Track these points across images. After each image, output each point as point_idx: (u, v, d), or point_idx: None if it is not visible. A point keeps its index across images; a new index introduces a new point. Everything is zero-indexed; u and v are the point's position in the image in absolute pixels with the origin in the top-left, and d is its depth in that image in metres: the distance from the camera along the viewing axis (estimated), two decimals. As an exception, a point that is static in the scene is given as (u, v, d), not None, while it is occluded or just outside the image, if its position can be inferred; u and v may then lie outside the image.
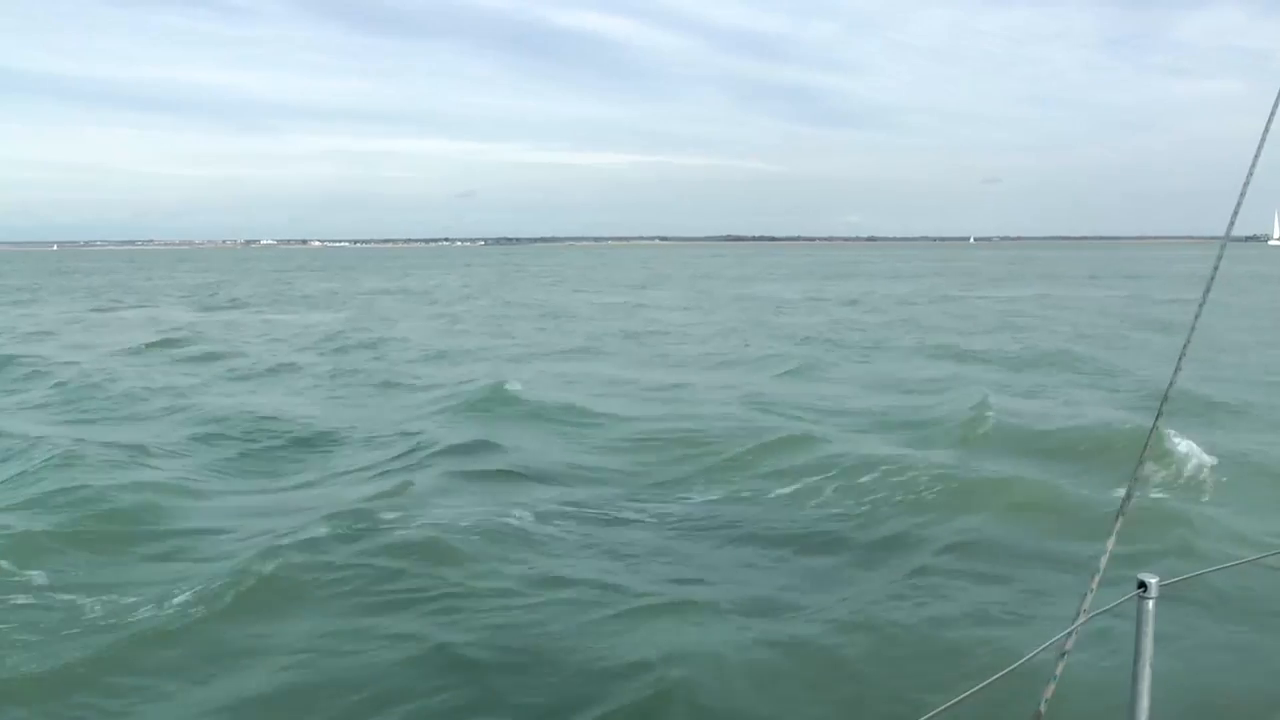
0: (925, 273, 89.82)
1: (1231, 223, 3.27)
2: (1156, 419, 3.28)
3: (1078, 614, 2.65)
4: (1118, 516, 2.82)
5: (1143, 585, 2.46)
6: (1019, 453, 13.80)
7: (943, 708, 2.40)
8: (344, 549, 9.69)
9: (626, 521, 11.12)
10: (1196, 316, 3.12)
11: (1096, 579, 2.65)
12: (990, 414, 15.86)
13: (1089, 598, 2.65)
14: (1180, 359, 3.07)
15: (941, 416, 16.78)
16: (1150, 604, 2.45)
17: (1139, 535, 9.25)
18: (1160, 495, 11.52)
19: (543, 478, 13.06)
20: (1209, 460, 12.59)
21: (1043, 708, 2.58)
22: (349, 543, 9.88)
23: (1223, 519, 10.65)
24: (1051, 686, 2.59)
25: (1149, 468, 11.65)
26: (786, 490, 12.16)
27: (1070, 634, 2.59)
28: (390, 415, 17.92)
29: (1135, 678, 2.45)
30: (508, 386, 19.47)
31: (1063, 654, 2.62)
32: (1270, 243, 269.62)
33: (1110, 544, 2.78)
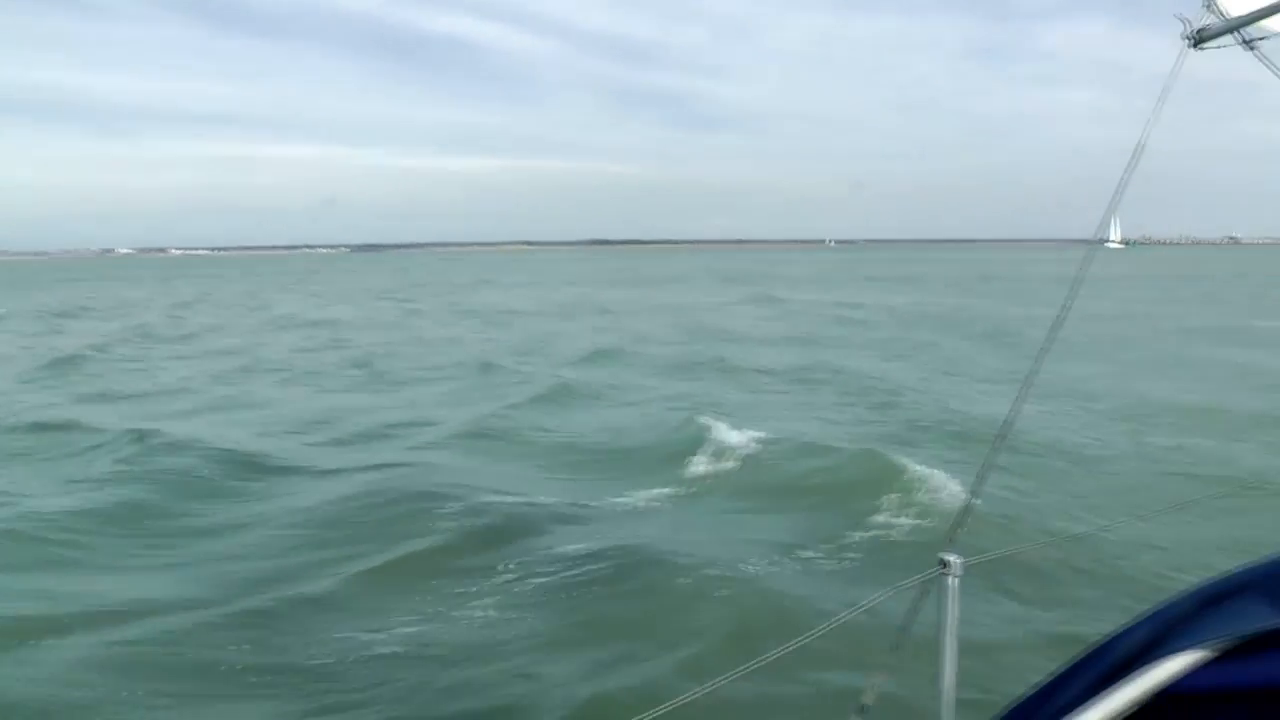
0: (703, 276, 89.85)
1: (1100, 228, 3.94)
2: (1011, 416, 3.67)
3: (887, 590, 3.01)
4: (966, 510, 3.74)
5: (944, 563, 2.65)
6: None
7: (745, 667, 2.82)
8: None
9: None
10: (1059, 318, 3.60)
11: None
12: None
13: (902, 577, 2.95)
14: (1037, 363, 3.62)
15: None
16: (952, 580, 2.65)
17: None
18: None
19: None
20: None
21: (861, 685, 3.18)
22: None
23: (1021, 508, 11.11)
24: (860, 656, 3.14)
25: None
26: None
27: (874, 603, 3.08)
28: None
29: (941, 650, 2.65)
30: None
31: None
32: (1109, 245, 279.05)
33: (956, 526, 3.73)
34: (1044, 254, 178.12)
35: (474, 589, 9.16)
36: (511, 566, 9.64)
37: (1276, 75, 3.50)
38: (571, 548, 10.04)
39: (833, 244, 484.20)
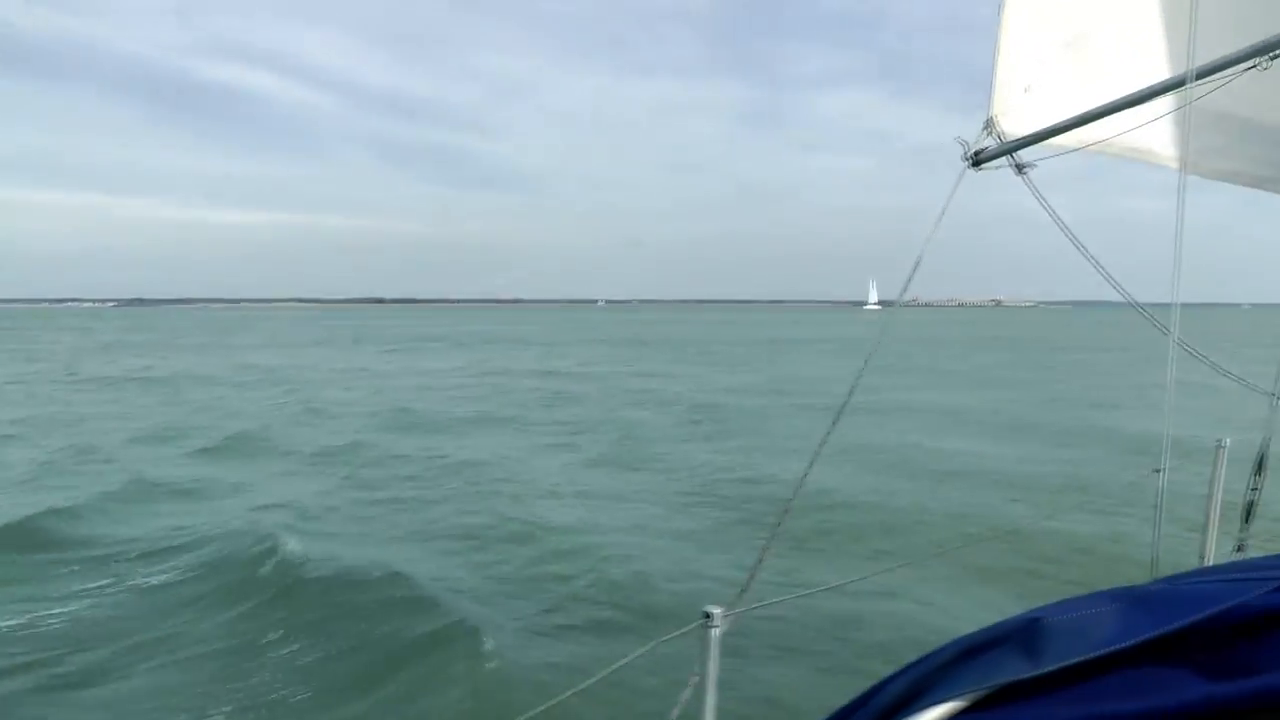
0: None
1: (902, 292, 4.03)
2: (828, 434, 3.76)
3: (647, 644, 2.91)
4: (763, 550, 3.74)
5: (707, 616, 2.65)
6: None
7: None
8: None
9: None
10: (855, 382, 3.89)
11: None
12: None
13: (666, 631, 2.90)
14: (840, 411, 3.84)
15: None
16: (714, 633, 2.64)
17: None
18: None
19: None
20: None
21: None
22: None
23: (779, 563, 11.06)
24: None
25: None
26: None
27: (637, 659, 2.98)
28: None
29: (703, 704, 2.66)
30: None
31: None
32: (867, 307, 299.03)
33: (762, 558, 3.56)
34: (807, 315, 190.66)
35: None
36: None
37: (1042, 203, 3.96)
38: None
39: (603, 304, 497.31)
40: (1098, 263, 4.05)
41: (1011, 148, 3.91)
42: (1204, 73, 3.54)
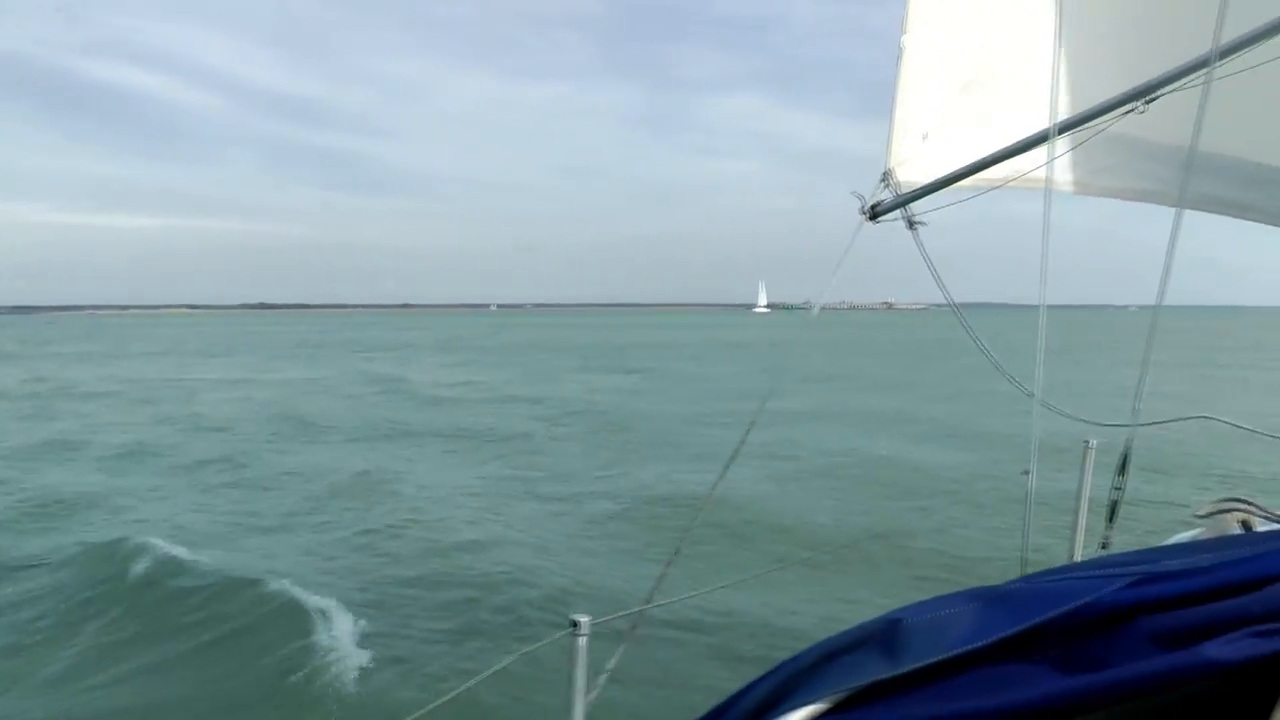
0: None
1: (821, 295, 4.48)
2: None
3: (514, 653, 3.04)
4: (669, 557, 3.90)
5: (575, 624, 2.64)
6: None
7: None
8: None
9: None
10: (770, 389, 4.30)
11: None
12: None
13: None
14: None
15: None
16: (582, 641, 2.63)
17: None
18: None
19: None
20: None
21: None
22: None
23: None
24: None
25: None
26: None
27: (504, 668, 3.09)
28: None
29: (571, 712, 2.64)
30: None
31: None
32: (755, 310, 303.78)
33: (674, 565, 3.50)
34: (702, 318, 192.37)
35: None
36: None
37: (926, 259, 4.10)
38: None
39: (495, 308, 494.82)
40: (958, 309, 4.31)
41: (908, 199, 4.02)
42: (1085, 118, 3.65)
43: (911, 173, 4.05)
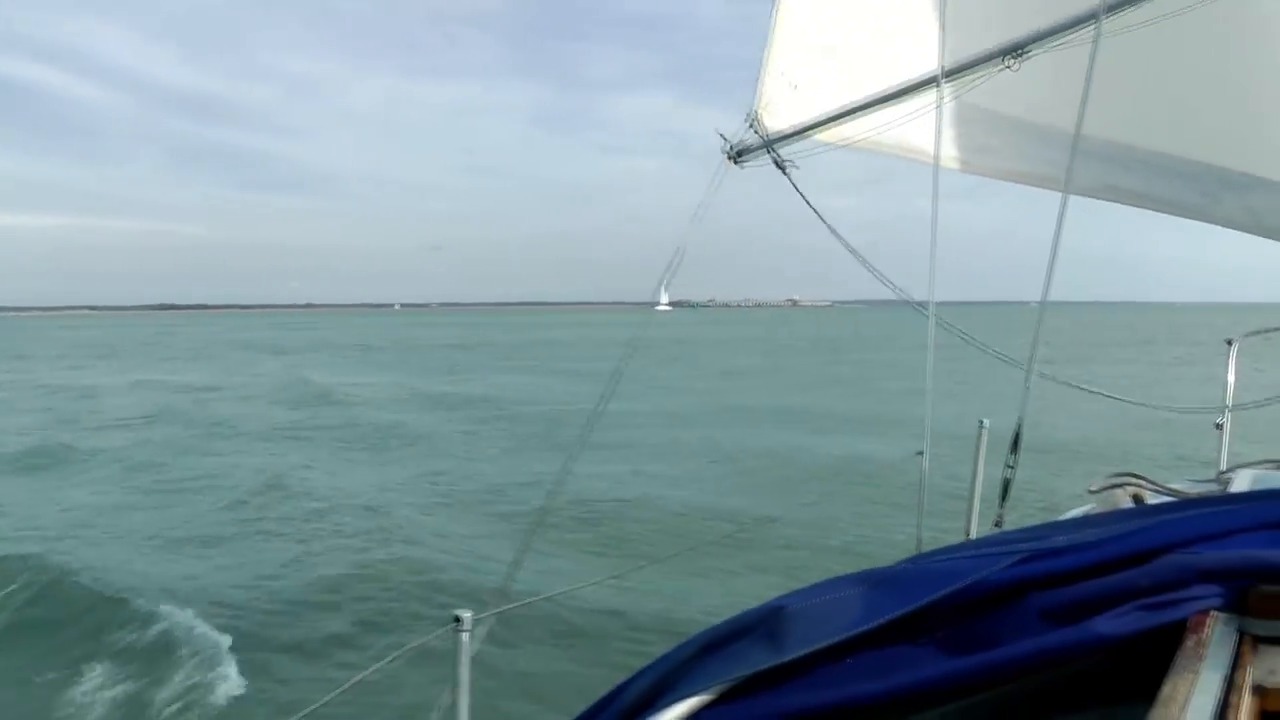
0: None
1: (658, 287, 4.16)
2: None
3: (400, 648, 2.96)
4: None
5: (458, 619, 2.62)
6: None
7: None
8: None
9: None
10: (612, 383, 3.80)
11: None
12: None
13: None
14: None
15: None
16: (465, 636, 2.61)
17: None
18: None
19: None
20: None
21: None
22: None
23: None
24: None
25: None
26: None
27: (383, 665, 2.97)
28: None
29: (457, 707, 2.61)
30: None
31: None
32: (659, 308, 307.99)
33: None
34: (609, 316, 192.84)
35: None
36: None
37: (804, 197, 3.96)
38: None
39: (399, 308, 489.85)
40: (856, 251, 4.08)
41: (772, 141, 3.88)
42: (953, 72, 3.63)
43: (780, 121, 3.93)
